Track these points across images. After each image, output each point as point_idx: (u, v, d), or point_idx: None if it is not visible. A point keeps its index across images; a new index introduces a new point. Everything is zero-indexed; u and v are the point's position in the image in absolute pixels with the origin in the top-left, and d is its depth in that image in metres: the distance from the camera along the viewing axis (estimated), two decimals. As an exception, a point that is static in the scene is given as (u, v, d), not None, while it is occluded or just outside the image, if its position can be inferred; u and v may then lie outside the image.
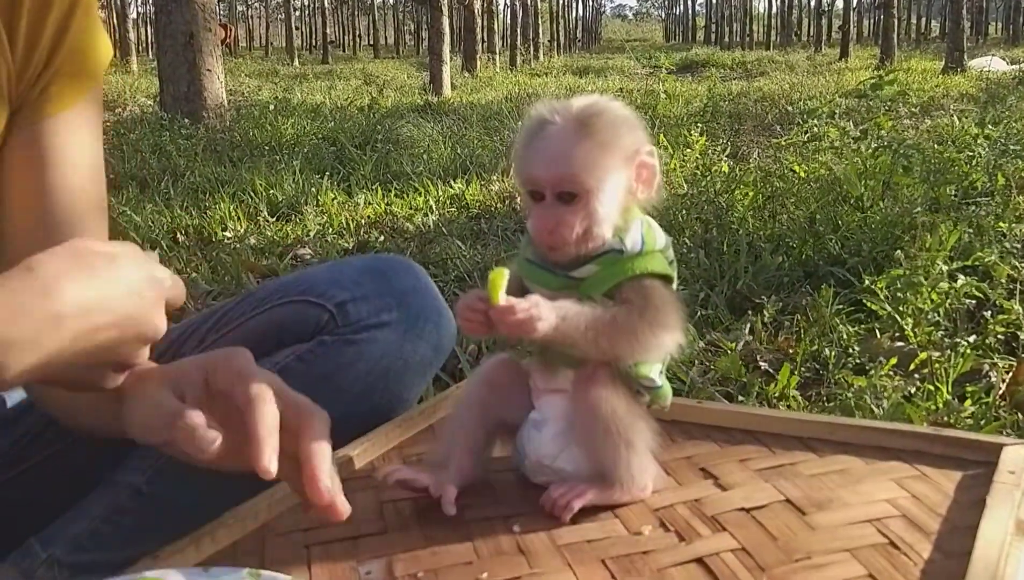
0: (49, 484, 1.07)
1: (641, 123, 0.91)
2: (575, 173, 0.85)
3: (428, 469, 0.94)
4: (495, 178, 4.88)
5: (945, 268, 2.37)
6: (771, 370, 2.05)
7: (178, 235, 3.69)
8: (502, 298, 0.83)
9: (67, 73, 0.91)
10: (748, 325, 2.26)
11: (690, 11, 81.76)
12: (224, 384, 0.80)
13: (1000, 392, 1.90)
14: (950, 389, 1.87)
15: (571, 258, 0.88)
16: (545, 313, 0.82)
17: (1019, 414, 1.79)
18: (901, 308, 2.28)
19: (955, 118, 6.60)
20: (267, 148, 5.97)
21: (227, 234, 3.74)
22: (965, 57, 15.36)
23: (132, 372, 0.81)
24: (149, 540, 0.85)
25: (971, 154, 4.32)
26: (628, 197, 0.88)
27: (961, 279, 2.37)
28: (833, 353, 2.07)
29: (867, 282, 2.44)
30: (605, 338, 0.84)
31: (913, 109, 7.64)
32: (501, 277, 0.83)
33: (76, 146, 0.94)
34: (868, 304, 2.36)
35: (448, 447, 0.94)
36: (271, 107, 8.81)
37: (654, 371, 0.91)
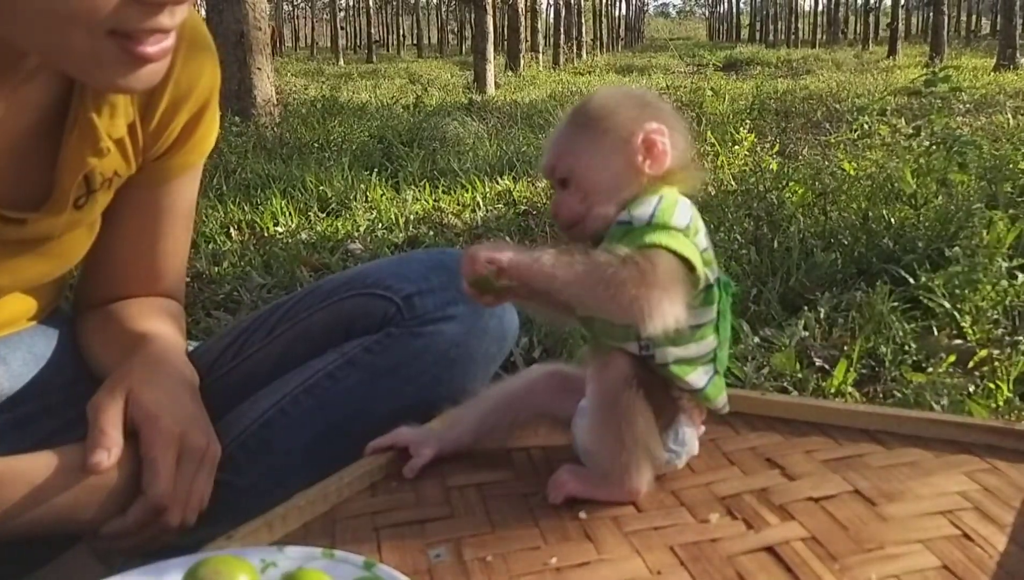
0: None
1: (650, 102, 0.91)
2: (559, 158, 0.89)
3: (426, 431, 1.00)
4: (541, 175, 4.88)
5: (1004, 265, 2.33)
6: (826, 366, 2.03)
7: (231, 230, 3.74)
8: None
9: (187, 152, 1.08)
10: (802, 321, 2.24)
11: (734, 9, 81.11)
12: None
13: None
14: (1011, 387, 1.84)
15: (591, 238, 0.88)
16: (501, 247, 0.83)
17: (1083, 413, 1.76)
18: (959, 305, 2.25)
19: (1010, 115, 6.48)
20: (316, 145, 6.02)
21: (279, 229, 3.78)
22: (1017, 54, 15.06)
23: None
24: (227, 522, 0.87)
25: (1028, 151, 4.23)
26: (633, 173, 0.87)
27: (1020, 277, 2.33)
28: (889, 350, 2.04)
29: (923, 279, 2.41)
30: (581, 282, 0.80)
31: (967, 106, 7.51)
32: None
33: (182, 200, 1.13)
34: (925, 301, 2.33)
35: (457, 416, 0.99)
36: (318, 105, 8.89)
37: (695, 374, 0.89)
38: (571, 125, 0.90)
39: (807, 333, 2.20)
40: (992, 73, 13.65)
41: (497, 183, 4.73)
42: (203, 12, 7.30)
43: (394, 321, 1.11)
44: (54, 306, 1.16)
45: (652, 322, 0.81)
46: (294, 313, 1.16)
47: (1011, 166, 3.88)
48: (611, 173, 0.88)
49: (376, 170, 5.12)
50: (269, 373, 1.14)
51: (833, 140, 5.72)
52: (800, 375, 1.94)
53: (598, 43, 41.79)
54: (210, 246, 3.50)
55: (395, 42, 55.43)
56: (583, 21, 34.12)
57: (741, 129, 5.39)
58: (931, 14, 18.62)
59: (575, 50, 29.16)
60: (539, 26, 24.81)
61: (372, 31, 35.05)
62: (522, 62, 17.71)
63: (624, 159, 0.88)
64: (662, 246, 0.83)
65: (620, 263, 0.81)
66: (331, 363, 1.10)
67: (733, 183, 4.16)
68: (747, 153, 4.79)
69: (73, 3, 0.74)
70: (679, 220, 0.86)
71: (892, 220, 3.17)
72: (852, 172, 4.07)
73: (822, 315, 2.31)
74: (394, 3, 63.68)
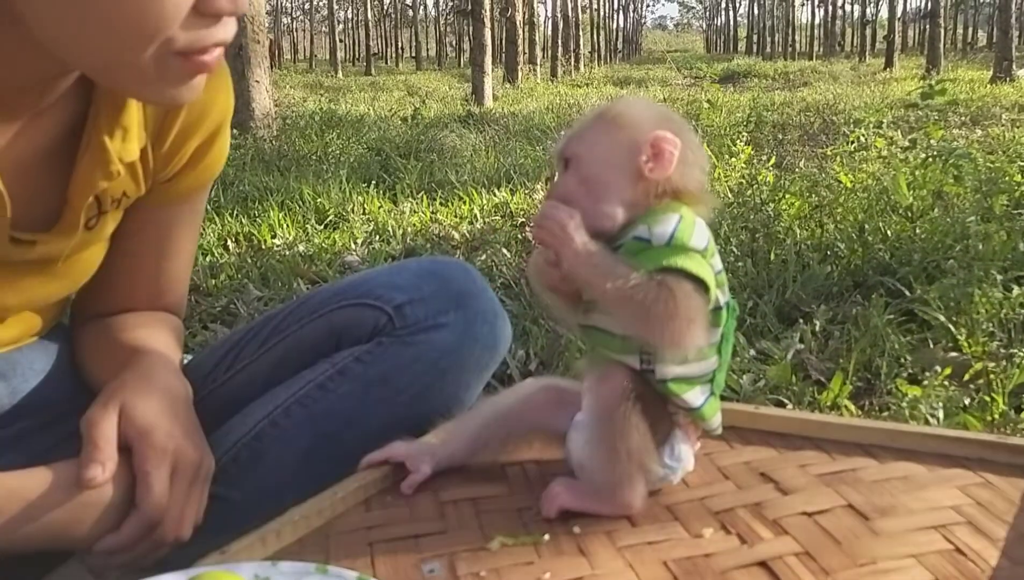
0: None
1: (674, 118, 0.91)
2: (569, 140, 0.91)
3: (421, 446, 1.00)
4: (539, 187, 4.89)
5: (999, 277, 2.34)
6: (822, 379, 2.03)
7: (229, 242, 3.74)
8: None
9: (197, 175, 1.08)
10: (798, 334, 2.24)
11: (731, 22, 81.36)
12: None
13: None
14: (1006, 400, 1.84)
15: (592, 238, 0.87)
16: (582, 233, 0.85)
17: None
18: (955, 318, 2.26)
19: (1006, 128, 6.50)
20: (314, 157, 6.03)
21: (276, 241, 3.78)
22: (1014, 67, 15.12)
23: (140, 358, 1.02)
24: (222, 536, 0.86)
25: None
26: (634, 172, 0.87)
27: (1016, 289, 2.34)
28: (885, 363, 2.05)
29: (919, 291, 2.41)
30: (623, 297, 0.82)
31: (963, 119, 7.53)
32: None
33: (188, 220, 1.14)
34: (920, 314, 2.33)
35: (452, 430, 1.00)
36: (317, 118, 8.91)
37: (692, 392, 0.89)
38: (591, 118, 0.91)
39: (803, 346, 2.20)
40: (988, 85, 13.69)
41: (494, 195, 4.74)
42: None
43: (385, 330, 1.10)
44: (56, 322, 1.16)
45: (676, 351, 0.84)
46: (286, 325, 1.16)
47: (1007, 178, 3.89)
48: (612, 164, 0.87)
49: (374, 182, 5.13)
50: (261, 385, 1.14)
51: (830, 152, 5.74)
52: (796, 388, 1.94)
53: (596, 55, 41.93)
54: (207, 258, 3.51)
55: (394, 55, 55.54)
56: (581, 34, 34.23)
57: (738, 141, 5.40)
58: (928, 26, 18.70)
59: (572, 62, 29.25)
60: (537, 39, 24.92)
61: (371, 44, 35.15)
62: (520, 74, 17.75)
63: (628, 154, 0.87)
64: (680, 268, 0.83)
65: (653, 290, 0.82)
66: (322, 374, 1.10)
67: (730, 195, 4.16)
68: (743, 165, 4.80)
69: (142, 22, 0.75)
70: (698, 241, 0.86)
71: (888, 232, 3.17)
72: (848, 184, 4.09)
73: (818, 328, 2.31)
74: (393, 16, 63.88)
